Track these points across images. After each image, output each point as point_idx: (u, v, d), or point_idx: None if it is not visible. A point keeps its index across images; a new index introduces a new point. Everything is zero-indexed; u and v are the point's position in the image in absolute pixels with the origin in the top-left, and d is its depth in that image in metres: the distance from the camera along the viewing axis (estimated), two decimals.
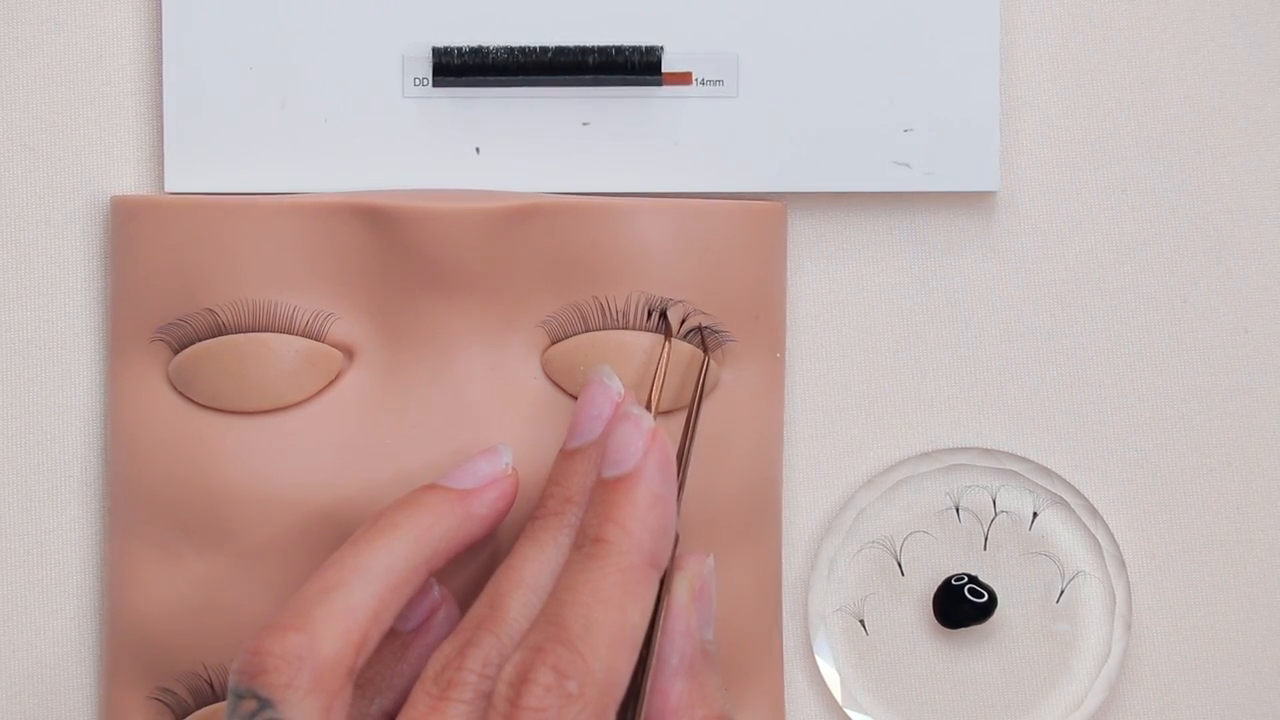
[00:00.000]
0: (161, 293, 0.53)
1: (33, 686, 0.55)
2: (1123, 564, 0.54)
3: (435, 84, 0.54)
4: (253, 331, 0.52)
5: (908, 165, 0.54)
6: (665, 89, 0.54)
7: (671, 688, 0.47)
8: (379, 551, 0.47)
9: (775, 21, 0.54)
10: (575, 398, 0.53)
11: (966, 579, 0.54)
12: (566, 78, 0.53)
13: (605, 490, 0.47)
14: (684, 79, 0.54)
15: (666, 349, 0.52)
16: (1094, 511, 0.54)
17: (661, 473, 0.47)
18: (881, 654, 0.55)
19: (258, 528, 0.52)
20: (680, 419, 0.52)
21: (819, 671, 0.55)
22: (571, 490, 0.49)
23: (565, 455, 0.50)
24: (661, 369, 0.52)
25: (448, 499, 0.49)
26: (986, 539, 0.55)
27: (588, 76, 0.53)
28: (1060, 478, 0.55)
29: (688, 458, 0.50)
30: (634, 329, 0.52)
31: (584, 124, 0.54)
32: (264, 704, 0.44)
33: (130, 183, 0.55)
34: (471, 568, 0.51)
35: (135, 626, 0.53)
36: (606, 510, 0.47)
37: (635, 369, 0.52)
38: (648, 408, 0.51)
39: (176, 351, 0.53)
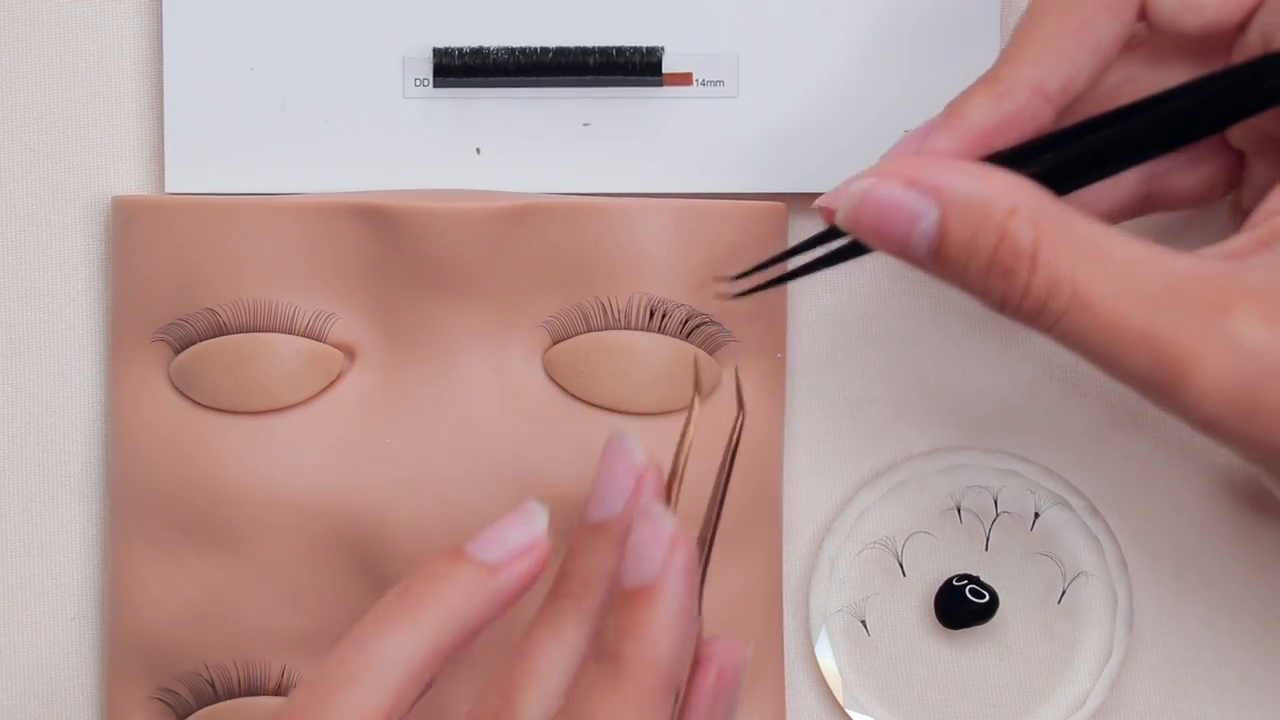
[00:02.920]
0: (162, 293, 0.53)
1: (33, 686, 0.55)
2: (1124, 564, 0.54)
3: (436, 84, 0.54)
4: (253, 331, 0.52)
5: None
6: (665, 89, 0.54)
7: None
8: (401, 637, 0.45)
9: (775, 21, 0.54)
10: (576, 398, 0.53)
11: (968, 579, 0.54)
12: (567, 78, 0.53)
13: (624, 600, 0.45)
14: (684, 79, 0.54)
15: (691, 422, 0.49)
16: (1095, 512, 0.54)
17: (683, 583, 0.45)
18: (883, 654, 0.55)
19: (258, 527, 0.52)
20: (675, 418, 0.52)
21: (820, 672, 0.55)
22: (592, 571, 0.46)
23: (586, 531, 0.47)
24: (685, 448, 0.49)
25: (477, 576, 0.46)
26: (988, 539, 0.55)
27: (588, 77, 0.53)
28: (1062, 478, 0.55)
29: (712, 540, 0.49)
30: (636, 329, 0.52)
31: (584, 124, 0.54)
32: None
33: (130, 183, 0.55)
34: None
35: (136, 626, 0.53)
36: (625, 624, 0.44)
37: (636, 369, 0.52)
38: (670, 488, 0.48)
39: (177, 351, 0.53)
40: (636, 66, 0.53)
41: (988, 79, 0.47)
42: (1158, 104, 0.46)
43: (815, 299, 0.55)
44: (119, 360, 0.53)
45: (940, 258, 0.44)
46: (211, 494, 0.52)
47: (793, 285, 0.55)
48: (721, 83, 0.54)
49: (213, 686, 0.53)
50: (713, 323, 0.53)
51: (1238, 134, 0.49)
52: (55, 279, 0.55)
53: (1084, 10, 0.47)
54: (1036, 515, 0.55)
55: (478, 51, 0.53)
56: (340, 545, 0.52)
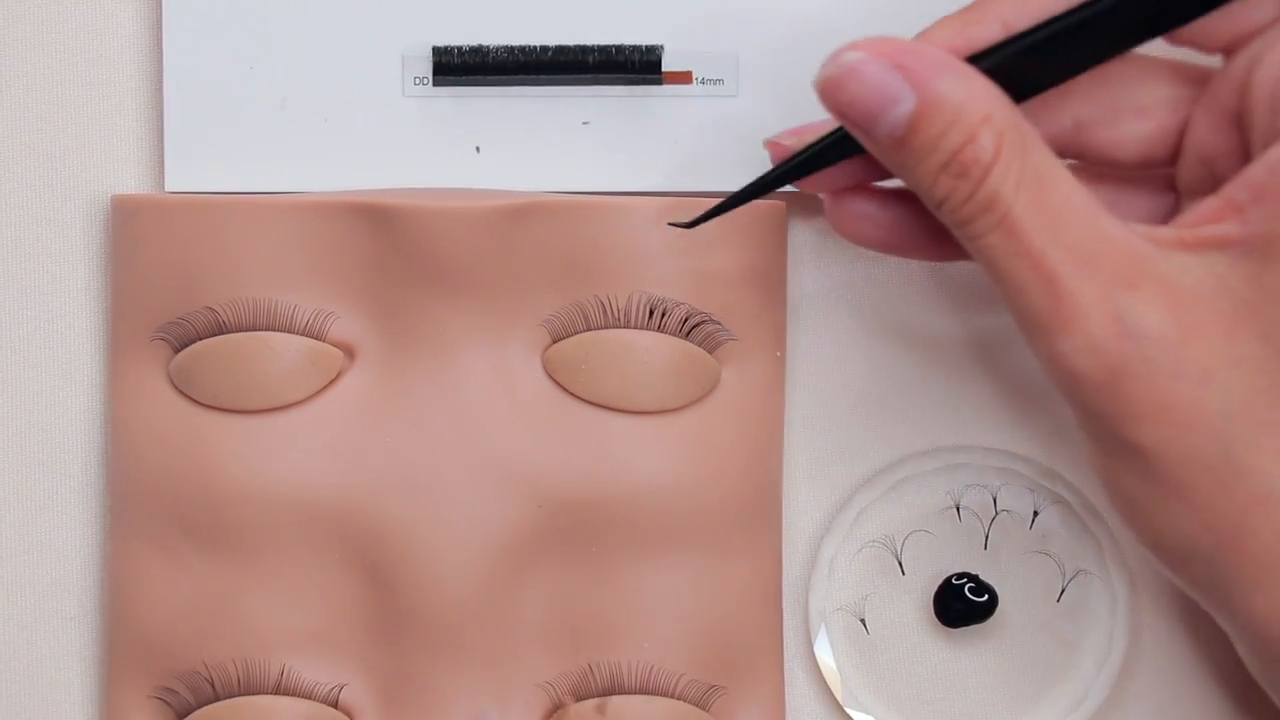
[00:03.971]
0: (162, 292, 0.53)
1: (33, 686, 0.55)
2: (1124, 563, 0.54)
3: (435, 83, 0.54)
4: (253, 330, 0.52)
5: None
6: (665, 88, 0.54)
7: None
8: None
9: (775, 21, 0.54)
10: (576, 396, 0.53)
11: (967, 578, 0.54)
12: (566, 77, 0.54)
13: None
14: (684, 78, 0.54)
15: None
16: (1095, 511, 0.54)
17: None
18: (882, 653, 0.55)
19: (258, 526, 0.52)
20: (679, 417, 0.52)
21: (820, 670, 0.55)
22: None
23: None
24: None
25: None
26: (987, 538, 0.55)
27: (588, 76, 0.53)
28: (1061, 477, 0.55)
29: None
30: (635, 328, 0.53)
31: (584, 123, 0.54)
32: None
33: (130, 182, 0.55)
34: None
35: (136, 626, 0.53)
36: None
37: (635, 368, 0.52)
38: None
39: (177, 350, 0.53)
40: (636, 65, 0.53)
41: (963, 9, 0.48)
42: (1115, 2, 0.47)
43: (815, 299, 0.55)
44: (118, 359, 0.53)
45: (902, 143, 0.45)
46: (211, 493, 0.52)
47: (792, 285, 0.55)
48: (721, 81, 0.54)
49: (212, 686, 0.53)
50: (712, 321, 0.53)
51: (1187, 167, 0.49)
52: (55, 278, 0.55)
53: None
54: (1036, 514, 0.55)
55: (477, 50, 0.53)
56: (340, 544, 0.52)
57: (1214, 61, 0.49)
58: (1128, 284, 0.44)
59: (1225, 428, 0.45)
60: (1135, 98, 0.49)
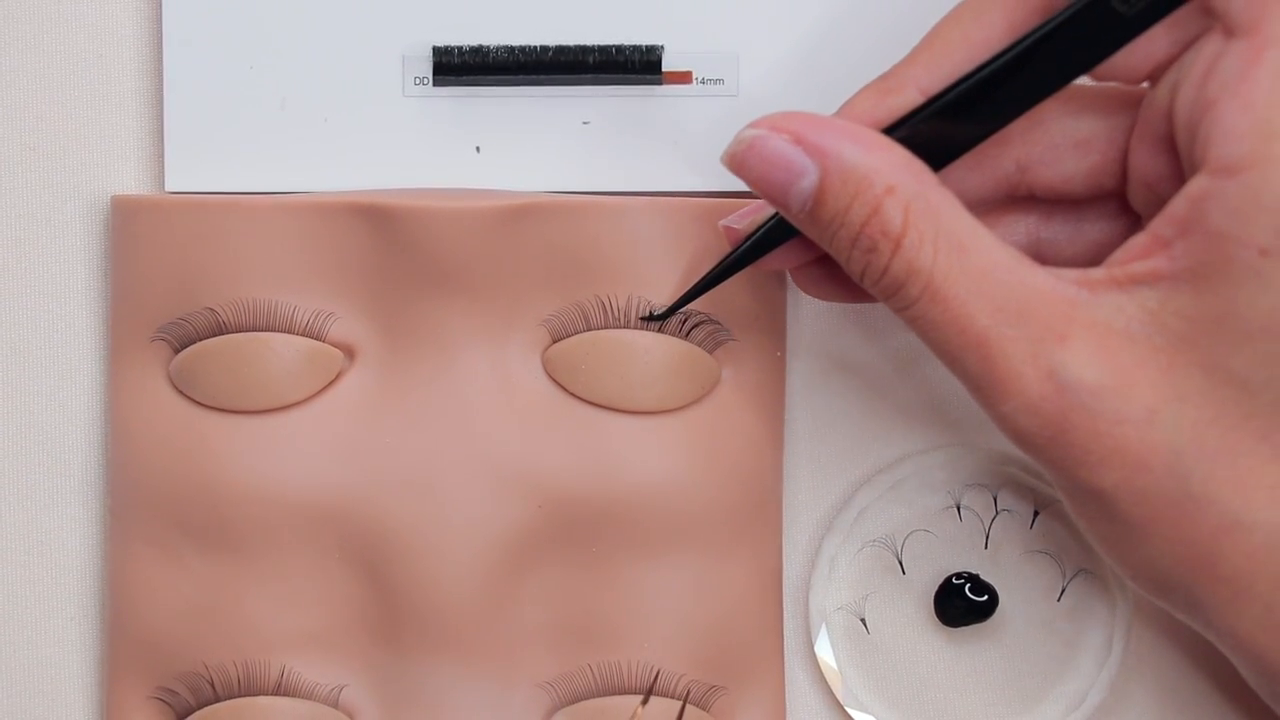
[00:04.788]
0: (162, 292, 0.53)
1: (33, 686, 0.55)
2: None
3: (435, 83, 0.54)
4: (253, 331, 0.52)
5: None
6: (665, 88, 0.54)
7: None
8: None
9: (775, 20, 0.54)
10: (576, 396, 0.53)
11: (968, 577, 0.54)
12: (566, 77, 0.53)
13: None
14: (684, 78, 0.54)
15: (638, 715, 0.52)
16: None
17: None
18: (883, 653, 0.55)
19: (258, 527, 0.52)
20: (679, 417, 0.52)
21: (820, 670, 0.55)
22: None
23: None
24: None
25: None
26: (988, 537, 0.55)
27: (588, 75, 0.53)
28: None
29: None
30: (636, 328, 0.53)
31: (584, 123, 0.54)
32: None
33: (130, 183, 0.55)
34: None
35: (136, 626, 0.53)
36: None
37: (635, 368, 0.52)
38: None
39: (177, 351, 0.53)
40: (636, 65, 0.53)
41: (880, 78, 0.48)
42: (1021, 52, 0.46)
43: (815, 299, 0.55)
44: (119, 359, 0.53)
45: (814, 218, 0.46)
46: (211, 493, 0.52)
47: (792, 286, 0.55)
48: (721, 81, 0.54)
49: (212, 686, 0.53)
50: (712, 321, 0.53)
51: (1135, 192, 0.49)
52: (55, 278, 0.55)
53: (988, 27, 0.47)
54: (1036, 513, 0.55)
55: (477, 50, 0.53)
56: (339, 544, 0.52)
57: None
58: (1058, 337, 0.45)
59: (1178, 463, 0.45)
60: (1072, 133, 0.49)
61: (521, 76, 0.53)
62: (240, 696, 0.53)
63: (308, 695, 0.53)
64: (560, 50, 0.53)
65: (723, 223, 0.51)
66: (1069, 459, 0.45)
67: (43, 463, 0.55)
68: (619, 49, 0.53)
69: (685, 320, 0.53)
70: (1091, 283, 0.45)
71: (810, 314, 0.55)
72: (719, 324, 0.53)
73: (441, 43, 0.54)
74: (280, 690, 0.53)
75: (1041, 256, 0.51)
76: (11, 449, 0.55)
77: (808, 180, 0.46)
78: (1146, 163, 0.48)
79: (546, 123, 0.54)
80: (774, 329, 0.54)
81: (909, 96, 0.48)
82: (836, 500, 0.55)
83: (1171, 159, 0.48)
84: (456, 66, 0.53)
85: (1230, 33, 0.45)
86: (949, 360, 0.46)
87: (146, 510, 0.53)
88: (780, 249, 0.50)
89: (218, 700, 0.53)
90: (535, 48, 0.53)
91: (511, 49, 0.53)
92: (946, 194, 0.45)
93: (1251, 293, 0.44)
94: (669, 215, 0.52)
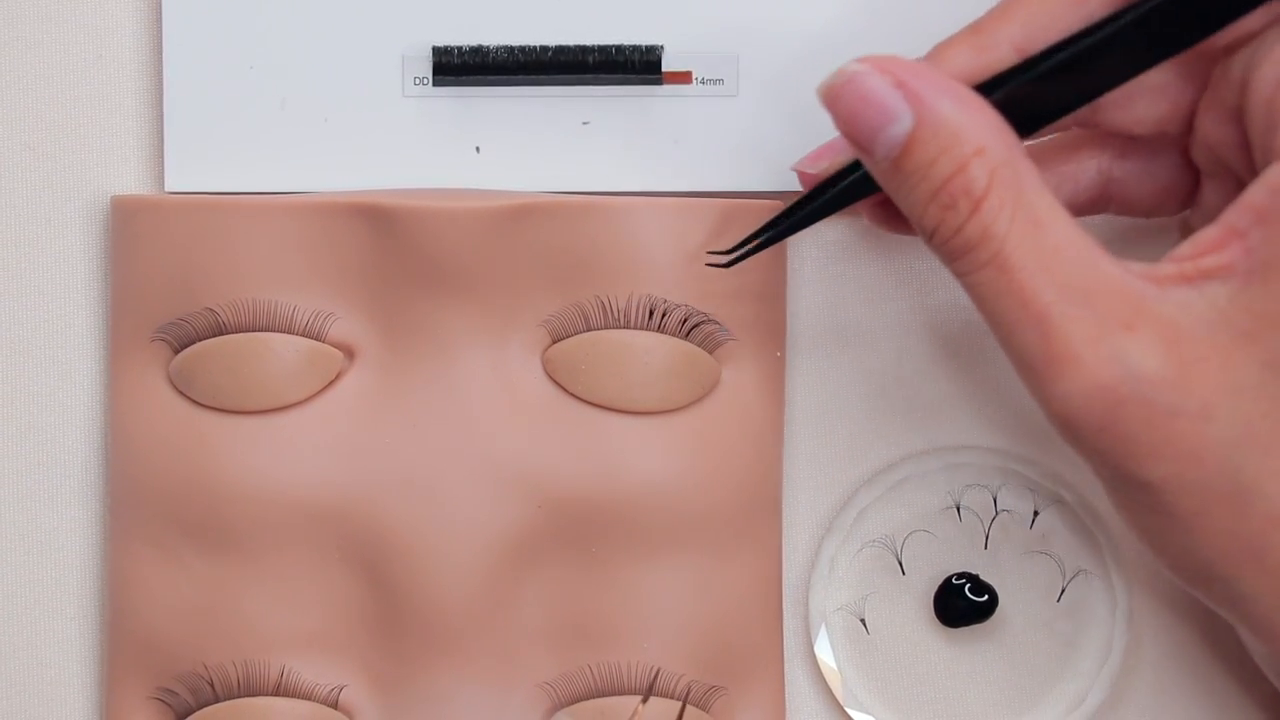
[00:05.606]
0: (162, 292, 0.53)
1: (33, 686, 0.55)
2: (1124, 563, 0.54)
3: (435, 83, 0.54)
4: (253, 331, 0.52)
5: None
6: (665, 88, 0.54)
7: None
8: None
9: (775, 21, 0.54)
10: (575, 397, 0.53)
11: (967, 578, 0.54)
12: (566, 77, 0.53)
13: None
14: (684, 78, 0.54)
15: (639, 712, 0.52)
16: (1095, 511, 0.54)
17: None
18: (882, 653, 0.55)
19: (258, 527, 0.52)
20: (679, 417, 0.52)
21: (820, 670, 0.55)
22: None
23: None
24: None
25: None
26: (987, 538, 0.55)
27: (588, 76, 0.53)
28: (1061, 477, 0.55)
29: None
30: (635, 328, 0.52)
31: (584, 123, 0.54)
32: None
33: (130, 183, 0.55)
34: None
35: (136, 626, 0.53)
36: None
37: (635, 368, 0.52)
38: None
39: (177, 351, 0.53)
40: (636, 65, 0.53)
41: (973, 28, 0.48)
42: (1127, 24, 0.46)
43: (815, 299, 0.55)
44: (118, 360, 0.53)
45: (897, 166, 0.45)
46: (211, 493, 0.52)
47: (792, 285, 0.55)
48: (721, 81, 0.54)
49: (212, 686, 0.53)
50: (712, 321, 0.53)
51: (1198, 150, 0.49)
52: (54, 278, 0.55)
53: None
54: (1036, 513, 0.55)
55: (477, 50, 0.53)
56: (339, 544, 0.52)
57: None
58: (1124, 325, 0.44)
59: (1231, 456, 0.44)
60: (1150, 78, 0.48)
61: (521, 76, 0.53)
62: (240, 697, 0.53)
63: (307, 695, 0.53)
64: (560, 50, 0.53)
65: (795, 166, 0.50)
66: (1119, 449, 0.45)
67: (43, 463, 0.55)
68: (619, 49, 0.53)
69: (685, 320, 0.53)
70: (1160, 278, 0.45)
71: (810, 314, 0.55)
72: (719, 324, 0.53)
73: (441, 43, 0.54)
74: (280, 691, 0.53)
75: (1109, 195, 0.51)
76: (11, 449, 0.55)
77: (900, 126, 0.45)
78: (1212, 128, 0.48)
79: (546, 123, 0.54)
80: (774, 329, 0.54)
81: (1003, 53, 0.47)
82: (836, 500, 0.55)
83: (1238, 129, 0.47)
84: (456, 66, 0.53)
85: None
86: (1005, 333, 0.45)
87: (146, 510, 0.53)
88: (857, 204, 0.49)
89: (217, 700, 0.53)
90: (535, 48, 0.53)
91: (511, 49, 0.53)
92: (1032, 168, 0.45)
93: None
94: (669, 215, 0.52)
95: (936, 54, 0.48)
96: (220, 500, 0.52)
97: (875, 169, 0.46)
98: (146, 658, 0.53)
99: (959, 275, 0.45)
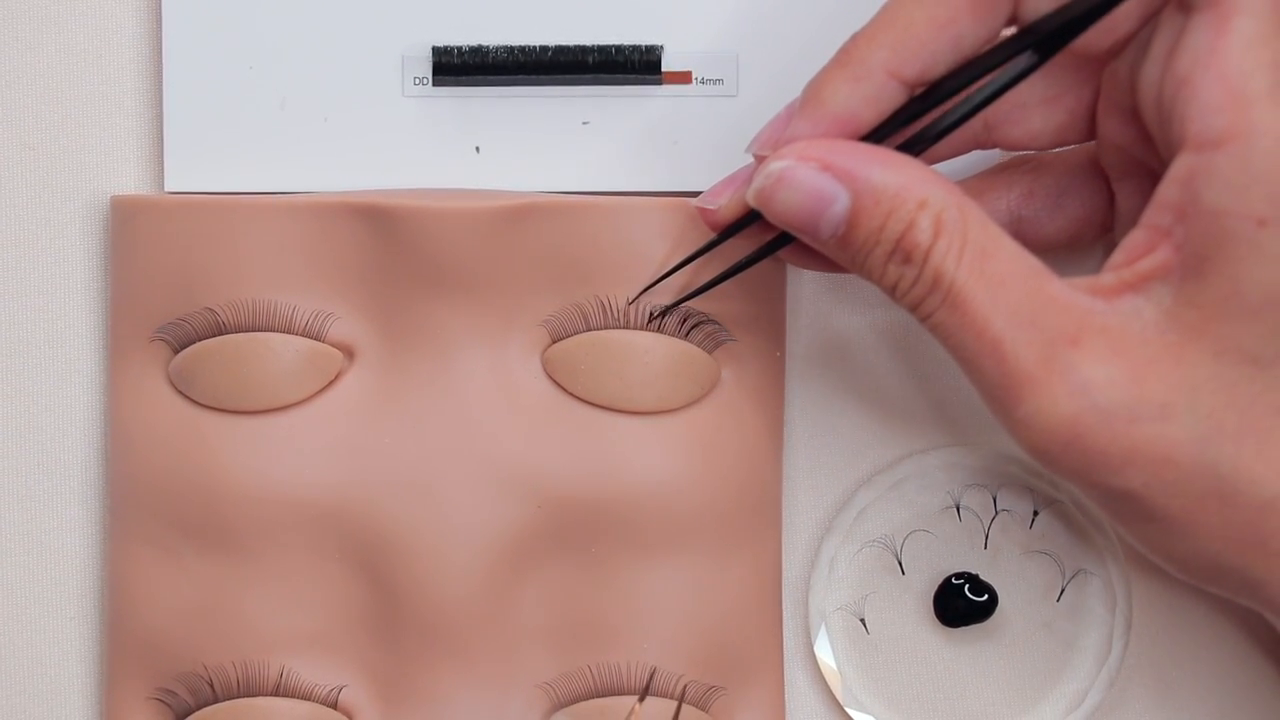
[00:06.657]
0: (161, 292, 0.53)
1: (33, 686, 0.55)
2: (1124, 563, 0.54)
3: (435, 83, 0.54)
4: (253, 331, 0.52)
5: None
6: (665, 88, 0.54)
7: None
8: None
9: (775, 21, 0.54)
10: (575, 397, 0.53)
11: (967, 578, 0.54)
12: (566, 77, 0.54)
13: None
14: (684, 78, 0.54)
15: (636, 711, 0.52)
16: (1094, 510, 0.54)
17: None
18: (882, 653, 0.55)
19: (258, 527, 0.52)
20: (678, 417, 0.52)
21: (820, 670, 0.55)
22: None
23: None
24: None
25: None
26: (987, 538, 0.55)
27: (587, 75, 0.53)
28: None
29: None
30: (635, 328, 0.53)
31: (584, 123, 0.54)
32: None
33: (130, 183, 0.55)
34: None
35: (135, 626, 0.53)
36: None
37: (635, 368, 0.52)
38: None
39: (177, 351, 0.53)
40: (636, 65, 0.53)
41: (841, 60, 0.48)
42: (1000, 47, 0.47)
43: (815, 298, 0.55)
44: (118, 360, 0.53)
45: (845, 241, 0.46)
46: (211, 493, 0.52)
47: (792, 284, 0.55)
48: (721, 81, 0.54)
49: (211, 687, 0.53)
50: (712, 322, 0.53)
51: (1106, 154, 0.49)
52: (54, 278, 0.55)
53: (952, 6, 0.47)
54: (1036, 513, 0.55)
55: (477, 50, 0.53)
56: (339, 544, 0.52)
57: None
58: (1070, 341, 0.45)
59: (1203, 452, 0.45)
60: (1040, 91, 0.49)
61: (521, 76, 0.53)
62: (239, 697, 0.53)
63: (307, 696, 0.53)
64: (560, 50, 0.53)
65: (696, 203, 0.50)
66: (1092, 464, 0.45)
67: (43, 463, 0.55)
68: (619, 49, 0.53)
69: (685, 320, 0.53)
70: (1104, 289, 0.45)
71: (810, 315, 0.55)
72: (719, 324, 0.53)
73: (441, 43, 0.54)
74: (280, 691, 0.53)
75: (1022, 234, 0.51)
76: (11, 449, 0.55)
77: (839, 205, 0.46)
78: (1115, 130, 0.48)
79: (546, 123, 0.54)
80: (774, 329, 0.54)
81: (878, 81, 0.47)
82: (836, 500, 0.55)
83: (1139, 127, 0.48)
84: (456, 66, 0.53)
85: (1188, 8, 0.45)
86: (968, 367, 0.46)
87: (146, 510, 0.53)
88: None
89: (217, 701, 0.53)
90: (535, 48, 0.53)
91: (511, 49, 0.53)
92: (972, 204, 0.46)
93: (1253, 266, 0.44)
94: (669, 215, 0.52)
95: (814, 94, 0.48)
96: (220, 500, 0.52)
97: (824, 249, 0.47)
98: (146, 658, 0.53)
99: (922, 320, 0.46)
